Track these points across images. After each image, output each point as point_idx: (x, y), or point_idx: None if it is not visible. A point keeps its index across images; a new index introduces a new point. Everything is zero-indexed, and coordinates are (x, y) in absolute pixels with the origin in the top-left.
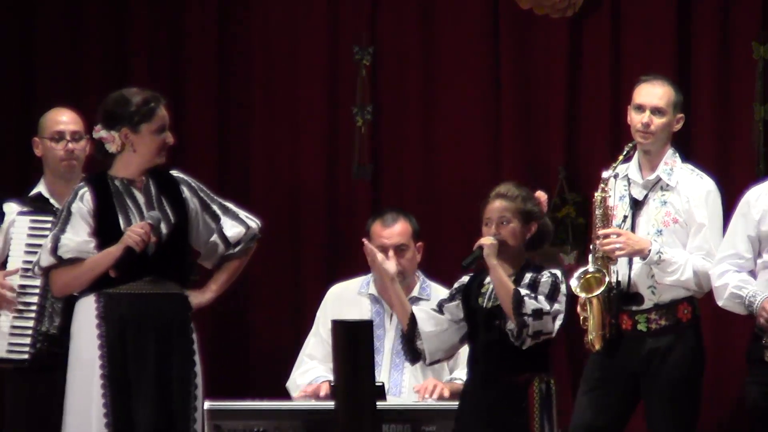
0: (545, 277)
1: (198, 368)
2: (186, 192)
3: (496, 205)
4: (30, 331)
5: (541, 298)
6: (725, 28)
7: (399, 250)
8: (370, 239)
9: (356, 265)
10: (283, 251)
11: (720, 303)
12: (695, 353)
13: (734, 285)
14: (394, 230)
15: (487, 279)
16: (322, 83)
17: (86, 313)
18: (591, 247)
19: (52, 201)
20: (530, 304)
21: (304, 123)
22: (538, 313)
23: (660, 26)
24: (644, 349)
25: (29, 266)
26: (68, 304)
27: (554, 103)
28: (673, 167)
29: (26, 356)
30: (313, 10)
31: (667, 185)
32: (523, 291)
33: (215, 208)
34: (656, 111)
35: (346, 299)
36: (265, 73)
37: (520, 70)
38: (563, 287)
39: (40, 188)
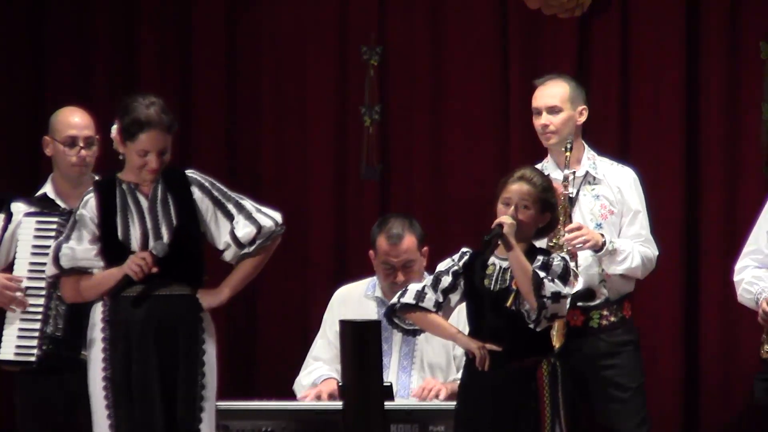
0: (557, 260)
1: (207, 369)
2: (197, 193)
3: (519, 188)
4: (37, 334)
5: (557, 281)
6: (733, 29)
7: (406, 265)
8: (376, 251)
9: (364, 265)
10: (291, 252)
11: (738, 299)
12: (639, 347)
13: (747, 281)
14: (401, 248)
15: (491, 260)
16: (331, 83)
17: (95, 317)
18: (550, 243)
19: (57, 201)
20: (549, 287)
21: (312, 123)
22: (556, 296)
23: (668, 26)
24: (598, 346)
25: (36, 267)
26: (71, 307)
27: None
28: (595, 161)
29: (33, 358)
30: (321, 9)
31: (595, 178)
32: (541, 273)
33: (230, 207)
34: (551, 110)
35: (353, 301)
36: (273, 73)
37: (529, 70)
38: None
39: (46, 189)
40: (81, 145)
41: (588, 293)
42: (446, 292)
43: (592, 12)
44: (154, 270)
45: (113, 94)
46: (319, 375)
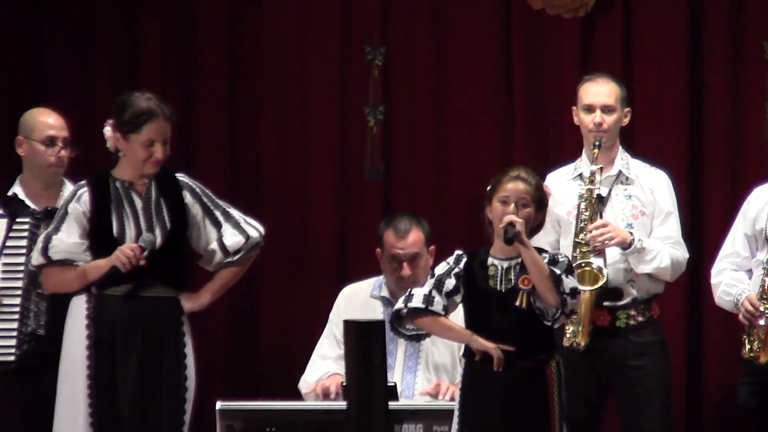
0: (561, 257)
1: (190, 372)
2: (188, 197)
3: (516, 186)
4: (14, 333)
5: (570, 277)
6: (737, 29)
7: (412, 259)
8: (382, 246)
9: (367, 265)
10: (295, 252)
11: (715, 301)
12: (667, 348)
13: (726, 283)
14: (408, 241)
15: (490, 260)
16: (334, 83)
17: (77, 313)
18: (575, 240)
19: (27, 202)
20: (567, 283)
21: (316, 123)
22: (573, 292)
23: (672, 26)
24: (624, 345)
25: (9, 268)
26: (53, 304)
27: (566, 104)
28: (629, 161)
29: (12, 358)
30: (324, 9)
31: (627, 178)
32: (557, 270)
33: (218, 214)
34: (606, 109)
35: (359, 301)
36: (276, 73)
37: (532, 70)
38: None
39: (16, 189)
40: (60, 145)
41: (615, 292)
42: (449, 295)
43: (596, 12)
44: (142, 262)
45: (115, 94)
46: (325, 371)
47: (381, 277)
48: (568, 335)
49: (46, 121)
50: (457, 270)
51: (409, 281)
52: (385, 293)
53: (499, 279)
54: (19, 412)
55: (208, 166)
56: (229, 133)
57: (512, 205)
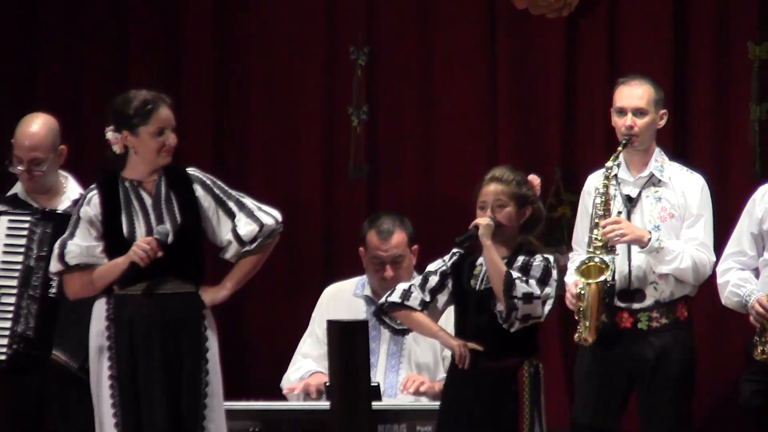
0: (537, 260)
1: (211, 366)
2: (199, 190)
3: (492, 189)
4: (7, 332)
5: (532, 281)
6: (721, 28)
7: (395, 261)
8: (366, 246)
9: (353, 265)
10: (280, 251)
11: (722, 301)
12: (693, 352)
13: (733, 283)
14: (391, 243)
15: (479, 260)
16: (318, 84)
17: (99, 315)
18: (590, 236)
19: (28, 201)
20: (521, 288)
21: (301, 123)
22: (527, 297)
23: (656, 26)
24: (644, 347)
25: (6, 266)
26: (43, 307)
27: (551, 103)
28: (663, 164)
29: (3, 357)
30: (309, 10)
31: (660, 181)
32: (515, 274)
33: (231, 204)
34: (638, 112)
35: (342, 300)
36: (261, 73)
37: (517, 70)
38: (555, 272)
39: (17, 189)
40: (24, 167)
41: (635, 294)
42: (434, 292)
43: (580, 12)
44: (159, 254)
45: (103, 96)
46: (307, 370)
47: (364, 277)
48: (578, 331)
49: (21, 138)
50: (444, 268)
51: (392, 282)
52: (368, 292)
53: (480, 279)
54: (6, 412)
55: (194, 166)
56: (215, 133)
57: (488, 210)
